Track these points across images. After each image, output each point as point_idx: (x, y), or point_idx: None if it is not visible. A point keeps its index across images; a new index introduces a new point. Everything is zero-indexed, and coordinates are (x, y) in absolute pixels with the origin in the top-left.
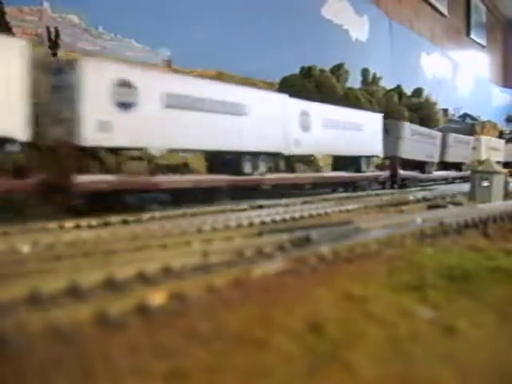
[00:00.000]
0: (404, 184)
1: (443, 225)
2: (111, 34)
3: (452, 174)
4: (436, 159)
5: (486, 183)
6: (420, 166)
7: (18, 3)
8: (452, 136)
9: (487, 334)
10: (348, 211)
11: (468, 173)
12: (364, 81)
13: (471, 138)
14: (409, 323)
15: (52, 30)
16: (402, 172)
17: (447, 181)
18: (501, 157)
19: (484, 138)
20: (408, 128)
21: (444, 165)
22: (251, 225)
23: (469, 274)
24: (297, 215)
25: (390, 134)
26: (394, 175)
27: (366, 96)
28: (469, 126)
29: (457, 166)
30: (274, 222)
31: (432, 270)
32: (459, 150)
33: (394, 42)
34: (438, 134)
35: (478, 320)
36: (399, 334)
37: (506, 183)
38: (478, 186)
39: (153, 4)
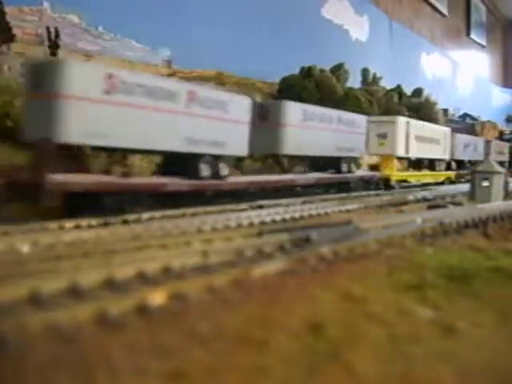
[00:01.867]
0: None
1: (443, 225)
2: (111, 33)
3: (299, 178)
4: (236, 151)
5: (485, 183)
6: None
7: (18, 3)
8: (296, 109)
9: (487, 333)
10: (348, 211)
11: (356, 175)
12: (364, 81)
13: (363, 118)
14: (409, 323)
15: (52, 30)
16: (58, 178)
17: (283, 193)
18: (442, 153)
19: (403, 121)
20: (122, 78)
21: (312, 162)
22: (251, 225)
23: (469, 274)
24: (297, 215)
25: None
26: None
27: (366, 96)
28: (469, 125)
29: (334, 164)
30: (273, 222)
31: (432, 270)
32: (323, 135)
33: (394, 42)
34: (243, 103)
35: (478, 320)
36: (399, 334)
37: (506, 183)
38: (477, 186)
39: (153, 4)
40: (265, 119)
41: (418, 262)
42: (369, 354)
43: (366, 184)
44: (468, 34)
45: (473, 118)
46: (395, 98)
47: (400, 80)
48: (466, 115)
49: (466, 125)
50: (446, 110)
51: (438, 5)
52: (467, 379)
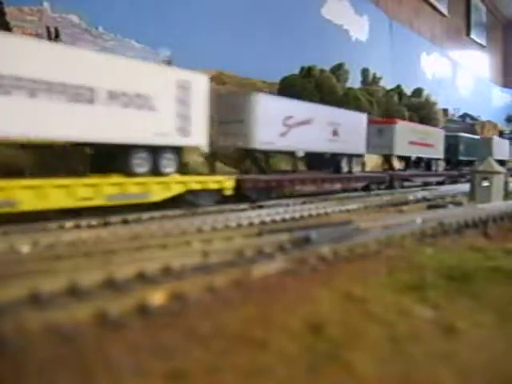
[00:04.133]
0: None
1: (443, 225)
2: (111, 34)
3: None
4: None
5: (485, 183)
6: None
7: (18, 3)
8: None
9: (487, 333)
10: (348, 211)
11: None
12: (364, 81)
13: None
14: (409, 323)
15: (52, 30)
16: None
17: None
18: (168, 131)
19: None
20: None
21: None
22: (251, 225)
23: (469, 273)
24: (297, 215)
25: None
26: None
27: (366, 96)
28: (469, 125)
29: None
30: (273, 222)
31: (432, 270)
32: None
33: (394, 42)
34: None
35: (478, 320)
36: (399, 334)
37: (506, 183)
38: (477, 186)
39: (153, 4)
40: None
41: (418, 262)
42: (369, 353)
43: None
44: (468, 33)
45: (473, 118)
46: (395, 98)
47: (400, 80)
48: (465, 115)
49: (466, 125)
50: (445, 110)
51: (438, 5)
52: (467, 379)
